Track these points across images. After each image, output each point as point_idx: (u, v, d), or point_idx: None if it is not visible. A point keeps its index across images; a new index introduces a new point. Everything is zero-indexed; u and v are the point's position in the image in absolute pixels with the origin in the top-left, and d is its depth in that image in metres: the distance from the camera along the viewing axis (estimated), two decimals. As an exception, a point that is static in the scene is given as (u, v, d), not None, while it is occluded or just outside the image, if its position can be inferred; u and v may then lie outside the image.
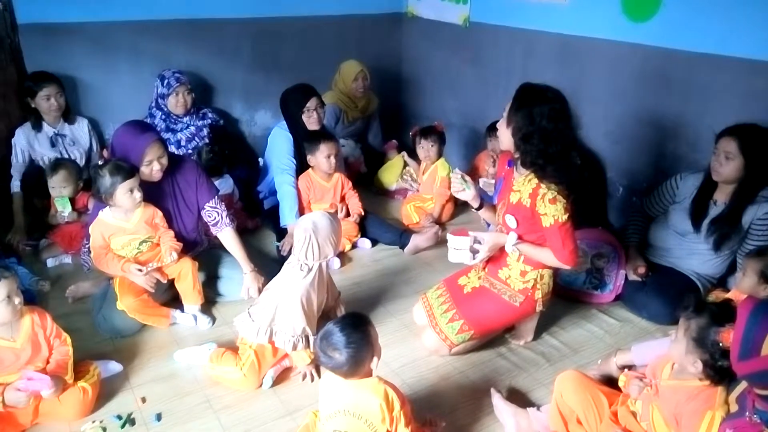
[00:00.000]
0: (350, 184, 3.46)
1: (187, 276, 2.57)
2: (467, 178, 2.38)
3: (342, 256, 3.22)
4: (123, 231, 2.46)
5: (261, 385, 2.25)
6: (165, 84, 3.59)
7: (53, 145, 3.41)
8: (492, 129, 3.71)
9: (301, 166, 3.38)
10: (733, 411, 1.57)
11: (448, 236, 2.30)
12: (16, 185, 3.31)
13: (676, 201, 2.78)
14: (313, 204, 3.37)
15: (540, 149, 2.07)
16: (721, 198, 2.62)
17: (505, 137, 2.19)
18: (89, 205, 3.14)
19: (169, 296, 2.68)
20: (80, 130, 3.54)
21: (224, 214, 2.72)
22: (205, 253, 2.83)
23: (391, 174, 4.10)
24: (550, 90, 2.10)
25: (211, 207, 2.70)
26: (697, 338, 1.59)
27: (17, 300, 1.93)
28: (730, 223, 2.57)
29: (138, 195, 2.41)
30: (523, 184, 2.18)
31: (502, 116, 2.19)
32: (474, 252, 2.26)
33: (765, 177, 2.52)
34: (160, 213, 2.54)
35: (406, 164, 4.07)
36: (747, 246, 2.58)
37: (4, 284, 1.88)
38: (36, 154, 3.38)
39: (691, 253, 2.71)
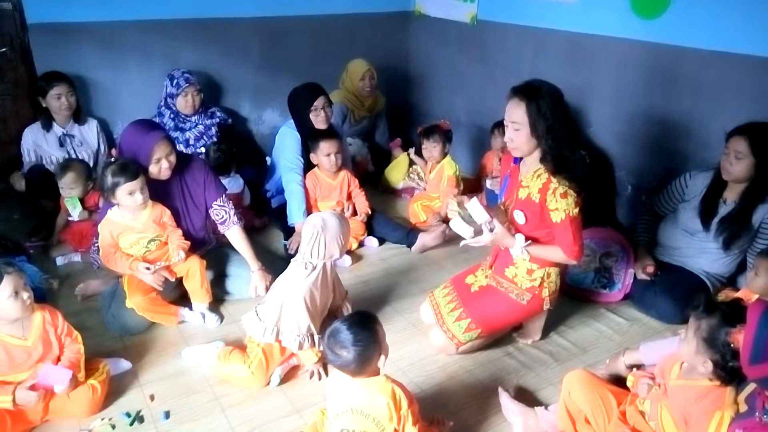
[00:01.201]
0: (357, 182, 3.46)
1: (195, 275, 2.59)
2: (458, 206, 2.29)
3: (350, 254, 3.22)
4: (131, 230, 2.47)
5: (269, 383, 2.25)
6: (174, 84, 3.61)
7: (61, 145, 3.44)
8: (497, 126, 3.70)
9: (309, 164, 3.38)
10: (743, 411, 1.56)
11: (474, 200, 2.19)
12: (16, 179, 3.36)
13: (685, 199, 2.76)
14: (320, 202, 3.38)
15: (565, 136, 2.07)
16: (730, 197, 2.60)
17: (526, 146, 2.13)
18: (100, 204, 3.16)
19: (178, 294, 2.69)
20: (89, 131, 3.56)
21: (232, 212, 2.73)
22: (213, 252, 2.84)
23: (397, 173, 4.09)
24: (543, 83, 2.11)
25: (219, 205, 2.71)
26: (707, 338, 1.58)
27: (26, 295, 1.94)
28: (739, 222, 2.55)
29: (139, 197, 2.40)
30: (532, 179, 2.17)
31: (513, 128, 2.12)
32: (477, 233, 2.21)
33: None
34: (168, 212, 2.55)
35: (412, 162, 4.07)
36: (757, 245, 2.56)
37: (8, 280, 1.88)
38: (44, 154, 3.41)
39: (700, 252, 2.69)
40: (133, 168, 2.39)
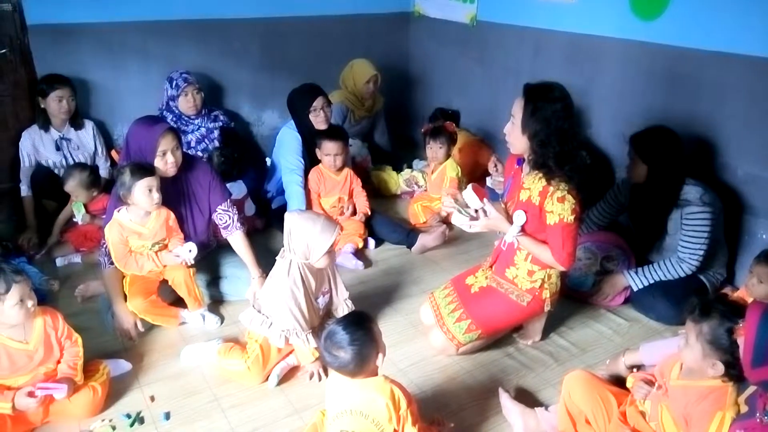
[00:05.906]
0: (359, 181, 3.47)
1: (181, 284, 2.56)
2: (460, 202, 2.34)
3: (359, 257, 3.20)
4: (138, 236, 2.44)
5: (266, 380, 2.26)
6: (174, 86, 3.61)
7: (58, 148, 3.43)
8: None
9: (310, 165, 3.39)
10: (743, 412, 1.56)
11: (469, 188, 2.25)
12: (24, 189, 3.35)
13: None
14: (323, 197, 3.38)
15: (557, 152, 2.07)
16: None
17: (518, 142, 2.16)
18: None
19: (177, 296, 2.68)
20: (86, 134, 3.55)
21: (235, 217, 2.71)
22: (211, 254, 2.84)
23: (391, 183, 4.06)
24: (555, 88, 2.10)
25: (223, 210, 2.70)
26: (712, 341, 1.58)
27: (30, 303, 1.94)
28: (656, 221, 2.67)
29: (156, 195, 2.38)
30: (534, 182, 2.17)
31: (511, 121, 2.16)
32: (473, 219, 2.25)
33: (676, 179, 2.58)
34: (173, 215, 2.52)
35: (411, 168, 4.09)
36: (681, 241, 2.59)
37: (16, 289, 1.89)
38: (41, 157, 3.40)
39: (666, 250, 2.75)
40: (149, 166, 2.41)
